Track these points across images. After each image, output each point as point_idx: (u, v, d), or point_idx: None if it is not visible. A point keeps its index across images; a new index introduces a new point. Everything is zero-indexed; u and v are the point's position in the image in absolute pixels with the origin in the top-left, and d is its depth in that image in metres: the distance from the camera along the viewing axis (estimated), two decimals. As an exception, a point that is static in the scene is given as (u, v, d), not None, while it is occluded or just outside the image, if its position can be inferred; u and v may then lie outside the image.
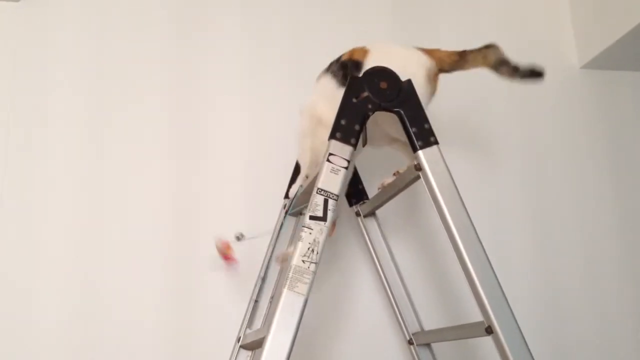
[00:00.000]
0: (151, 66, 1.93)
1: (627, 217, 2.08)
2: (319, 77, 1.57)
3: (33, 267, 1.72)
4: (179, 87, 1.93)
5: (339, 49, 1.58)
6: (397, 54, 1.49)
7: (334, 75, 1.51)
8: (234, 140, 1.90)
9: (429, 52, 1.50)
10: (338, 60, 1.54)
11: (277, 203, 1.74)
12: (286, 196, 1.69)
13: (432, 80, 1.47)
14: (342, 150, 1.31)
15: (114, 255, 1.76)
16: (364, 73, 1.39)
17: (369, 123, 1.38)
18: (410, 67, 1.42)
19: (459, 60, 1.50)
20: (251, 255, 1.73)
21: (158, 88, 1.91)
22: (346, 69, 1.48)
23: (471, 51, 1.51)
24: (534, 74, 1.51)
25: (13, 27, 1.87)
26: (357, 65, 1.46)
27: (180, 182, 1.85)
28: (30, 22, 1.89)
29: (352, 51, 1.52)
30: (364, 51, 1.50)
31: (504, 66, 1.51)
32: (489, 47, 1.51)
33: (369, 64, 1.44)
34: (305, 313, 1.18)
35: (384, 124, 1.50)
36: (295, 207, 1.63)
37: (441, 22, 2.14)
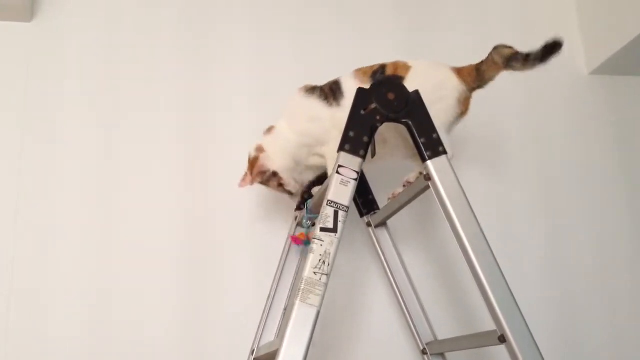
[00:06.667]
0: (160, 71, 1.95)
1: (639, 221, 2.07)
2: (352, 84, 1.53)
3: (47, 271, 1.74)
4: (188, 91, 1.95)
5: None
6: (435, 75, 1.53)
7: None
8: (245, 142, 1.90)
9: (459, 72, 1.52)
10: (382, 71, 1.54)
11: (289, 209, 1.75)
12: (297, 208, 1.70)
13: (463, 103, 1.51)
14: (352, 162, 1.32)
15: (127, 261, 1.78)
16: (372, 84, 1.40)
17: (389, 132, 1.37)
18: (443, 90, 1.49)
19: (477, 75, 1.52)
20: (265, 267, 1.74)
21: (167, 92, 1.94)
22: None
23: (482, 62, 1.52)
24: (549, 50, 1.43)
25: (26, 47, 1.91)
26: (401, 80, 1.49)
27: (192, 186, 1.87)
28: (42, 40, 1.92)
29: (396, 65, 1.54)
30: (406, 67, 1.52)
31: (513, 61, 1.48)
32: (493, 50, 1.51)
33: (410, 80, 1.49)
34: (317, 324, 1.18)
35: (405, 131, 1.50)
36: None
37: (447, 30, 2.15)
